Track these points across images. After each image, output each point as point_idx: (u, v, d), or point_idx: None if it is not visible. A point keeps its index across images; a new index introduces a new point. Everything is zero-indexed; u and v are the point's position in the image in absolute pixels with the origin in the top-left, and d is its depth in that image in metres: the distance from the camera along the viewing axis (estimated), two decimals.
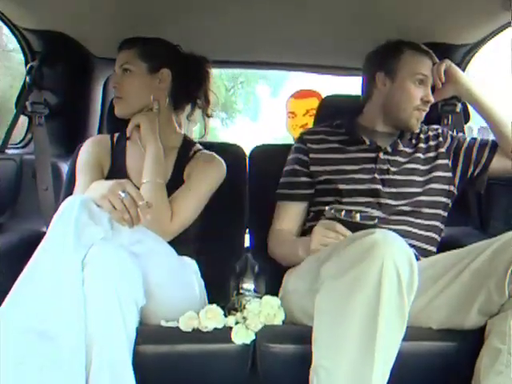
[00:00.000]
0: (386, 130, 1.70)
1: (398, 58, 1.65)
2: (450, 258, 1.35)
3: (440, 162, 1.66)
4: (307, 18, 1.90)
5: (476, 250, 1.28)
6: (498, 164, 1.63)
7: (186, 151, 1.68)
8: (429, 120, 1.75)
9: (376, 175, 1.61)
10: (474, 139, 1.69)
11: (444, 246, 1.56)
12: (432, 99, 1.64)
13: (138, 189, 1.48)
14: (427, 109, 1.66)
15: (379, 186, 1.60)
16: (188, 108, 1.77)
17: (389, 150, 1.66)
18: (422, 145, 1.69)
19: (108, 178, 1.62)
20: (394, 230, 1.19)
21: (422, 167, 1.65)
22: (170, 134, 1.69)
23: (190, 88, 1.72)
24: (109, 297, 1.12)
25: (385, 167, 1.63)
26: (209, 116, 1.75)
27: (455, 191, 1.66)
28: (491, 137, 1.67)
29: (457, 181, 1.66)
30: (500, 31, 1.87)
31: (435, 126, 1.77)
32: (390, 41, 1.70)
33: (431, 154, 1.68)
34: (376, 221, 1.35)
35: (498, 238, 1.26)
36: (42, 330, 1.08)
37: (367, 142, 1.67)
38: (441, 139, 1.70)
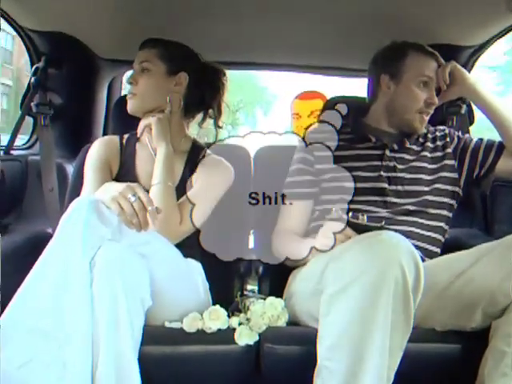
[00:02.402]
0: (391, 131, 1.70)
1: (402, 61, 1.64)
2: (455, 259, 1.35)
3: (447, 162, 1.65)
4: (308, 19, 1.90)
5: (480, 252, 1.28)
6: (504, 165, 1.62)
7: (195, 155, 1.68)
8: (434, 121, 1.75)
9: (382, 173, 1.61)
10: (481, 140, 1.68)
11: (449, 248, 1.55)
12: (436, 101, 1.64)
13: (148, 192, 1.49)
14: (431, 111, 1.65)
15: (385, 185, 1.59)
16: (198, 116, 1.77)
17: (395, 147, 1.65)
18: (429, 144, 1.69)
19: (117, 179, 1.62)
20: (399, 231, 1.20)
21: (429, 166, 1.64)
22: (180, 138, 1.70)
23: (204, 96, 1.73)
24: (116, 297, 1.13)
25: (391, 164, 1.62)
26: (220, 127, 1.75)
27: (460, 192, 1.65)
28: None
29: (462, 182, 1.65)
30: (506, 33, 1.86)
31: (442, 127, 1.76)
32: (395, 42, 1.70)
33: (438, 154, 1.67)
34: (383, 223, 1.34)
35: (502, 239, 1.26)
36: (49, 329, 1.10)
37: (373, 140, 1.67)
38: (448, 140, 1.70)
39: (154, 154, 1.59)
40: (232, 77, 1.78)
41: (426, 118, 1.65)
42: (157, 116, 1.61)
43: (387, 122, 1.70)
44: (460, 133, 1.76)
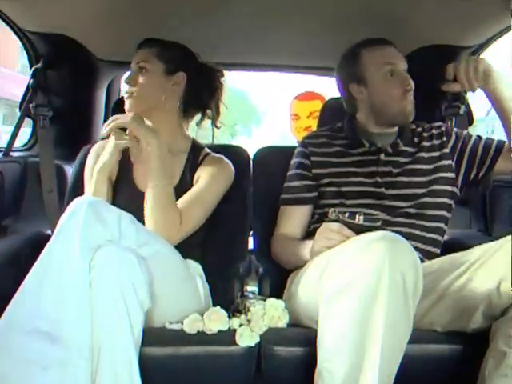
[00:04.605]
0: (383, 131, 1.68)
1: (358, 63, 1.64)
2: (453, 260, 1.35)
3: (444, 162, 1.64)
4: (307, 19, 1.90)
5: (479, 253, 1.28)
6: (504, 164, 1.61)
7: (195, 156, 1.67)
8: (432, 122, 1.74)
9: (378, 179, 1.60)
10: (479, 138, 1.66)
11: (448, 248, 1.55)
12: (411, 83, 1.61)
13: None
14: (411, 91, 1.61)
15: (382, 189, 1.58)
16: (197, 116, 1.76)
17: (389, 150, 1.64)
18: (425, 143, 1.67)
19: (116, 182, 1.62)
20: (398, 232, 1.19)
21: (425, 166, 1.63)
22: (179, 139, 1.69)
23: (202, 96, 1.72)
24: (116, 299, 1.13)
25: (386, 169, 1.61)
26: (218, 127, 1.75)
27: (458, 192, 1.65)
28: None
29: (459, 182, 1.64)
30: (504, 33, 1.85)
31: (438, 124, 1.73)
32: (347, 49, 1.70)
33: (435, 154, 1.65)
34: (380, 223, 1.34)
35: (501, 240, 1.26)
36: (48, 330, 1.09)
37: (366, 145, 1.66)
38: (445, 138, 1.67)
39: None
40: (229, 97, 1.78)
41: (411, 100, 1.62)
42: (131, 118, 1.52)
43: (375, 123, 1.68)
44: (457, 129, 1.74)
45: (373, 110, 1.66)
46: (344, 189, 1.60)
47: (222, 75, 1.76)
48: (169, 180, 1.52)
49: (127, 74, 1.69)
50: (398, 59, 1.63)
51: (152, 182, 1.50)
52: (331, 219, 1.38)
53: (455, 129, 1.73)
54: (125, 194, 1.58)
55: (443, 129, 1.70)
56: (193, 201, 1.55)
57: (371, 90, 1.63)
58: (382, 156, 1.63)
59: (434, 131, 1.70)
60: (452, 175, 1.63)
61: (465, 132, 1.71)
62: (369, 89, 1.64)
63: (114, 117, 1.53)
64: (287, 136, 3.18)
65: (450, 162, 1.64)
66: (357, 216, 1.33)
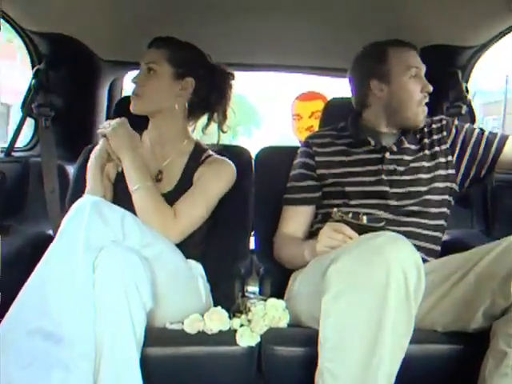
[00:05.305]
0: (391, 131, 1.68)
1: (385, 60, 1.62)
2: (455, 261, 1.35)
3: (443, 159, 1.62)
4: (308, 19, 1.90)
5: (480, 253, 1.28)
6: (505, 162, 1.60)
7: (197, 157, 1.67)
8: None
9: (383, 176, 1.59)
10: (482, 133, 1.63)
11: (449, 248, 1.55)
12: (431, 88, 1.61)
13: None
14: (427, 99, 1.63)
15: (387, 188, 1.58)
16: (203, 117, 1.74)
17: (394, 149, 1.63)
18: (426, 140, 1.65)
19: (116, 182, 1.62)
20: (401, 232, 1.20)
21: (427, 164, 1.62)
22: (183, 141, 1.69)
23: (210, 99, 1.70)
24: (119, 299, 1.13)
25: (391, 167, 1.61)
26: (224, 132, 1.73)
27: (457, 188, 1.64)
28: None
29: (459, 178, 1.63)
30: (506, 33, 1.85)
31: (438, 118, 1.71)
32: (369, 46, 1.69)
33: (435, 149, 1.64)
34: (383, 223, 1.34)
35: (502, 240, 1.26)
36: (51, 331, 1.10)
37: (372, 143, 1.65)
38: (445, 133, 1.66)
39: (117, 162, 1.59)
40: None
41: (426, 109, 1.63)
42: (111, 127, 1.57)
43: (386, 123, 1.67)
44: (458, 122, 1.71)
45: (387, 109, 1.65)
46: (348, 189, 1.60)
47: (233, 78, 1.74)
48: (150, 181, 1.52)
49: (134, 73, 1.68)
50: (421, 64, 1.63)
51: (132, 186, 1.50)
52: (334, 219, 1.38)
53: (456, 122, 1.70)
54: (124, 194, 1.58)
55: (444, 122, 1.68)
56: (189, 198, 1.55)
57: (393, 88, 1.62)
58: (387, 154, 1.62)
59: (433, 126, 1.68)
60: (452, 171, 1.62)
61: (467, 125, 1.69)
62: (391, 87, 1.62)
63: (102, 125, 1.62)
64: (287, 137, 3.17)
65: (450, 158, 1.63)
66: (360, 216, 1.33)
